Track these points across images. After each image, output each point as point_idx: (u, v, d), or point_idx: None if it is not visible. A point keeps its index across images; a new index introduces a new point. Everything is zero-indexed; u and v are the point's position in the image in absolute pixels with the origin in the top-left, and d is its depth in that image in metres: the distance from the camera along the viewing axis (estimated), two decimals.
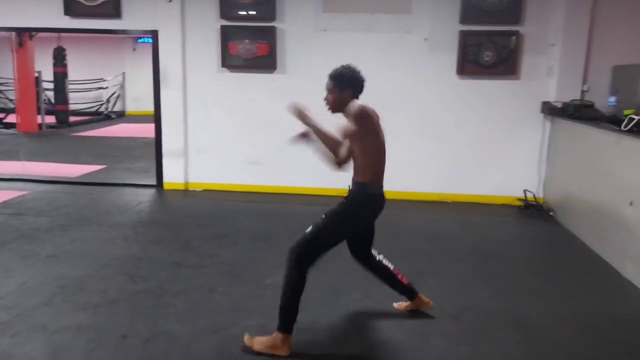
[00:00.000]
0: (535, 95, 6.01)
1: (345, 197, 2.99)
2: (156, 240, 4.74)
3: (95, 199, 6.13)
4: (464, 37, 5.97)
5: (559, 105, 5.63)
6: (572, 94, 5.71)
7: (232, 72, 6.41)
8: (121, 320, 3.19)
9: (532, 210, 5.91)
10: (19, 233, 4.74)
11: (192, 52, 6.44)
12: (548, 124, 5.99)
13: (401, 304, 3.42)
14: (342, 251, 3.15)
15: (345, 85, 2.92)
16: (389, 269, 3.27)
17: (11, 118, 13.19)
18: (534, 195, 6.05)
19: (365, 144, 2.88)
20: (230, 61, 6.35)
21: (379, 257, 3.28)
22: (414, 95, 6.20)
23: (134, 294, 3.56)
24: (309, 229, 2.89)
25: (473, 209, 6.08)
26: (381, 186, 3.00)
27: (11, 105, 13.56)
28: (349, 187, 3.01)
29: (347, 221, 2.96)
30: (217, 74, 6.43)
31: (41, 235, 4.69)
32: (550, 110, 5.77)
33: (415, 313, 3.36)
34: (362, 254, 3.25)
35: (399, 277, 3.28)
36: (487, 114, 6.16)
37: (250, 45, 6.27)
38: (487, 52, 5.97)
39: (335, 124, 2.90)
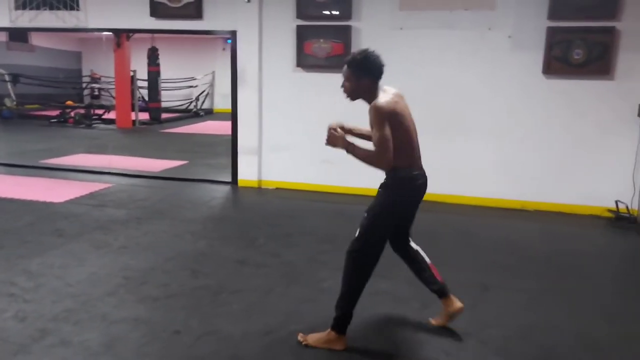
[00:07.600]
0: (631, 97, 5.49)
1: (379, 187, 2.91)
2: (223, 237, 4.82)
3: (171, 194, 6.36)
4: (552, 33, 5.56)
5: None
6: None
7: (306, 71, 6.40)
8: (177, 316, 3.23)
9: (623, 223, 5.42)
10: (98, 224, 4.99)
11: (268, 51, 6.50)
12: None
13: (438, 320, 3.17)
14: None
15: (362, 73, 2.79)
16: (425, 262, 3.10)
17: (110, 115, 14.12)
18: (627, 207, 5.53)
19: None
20: (305, 61, 6.35)
21: (416, 247, 3.13)
22: (495, 95, 5.87)
23: (193, 290, 3.61)
24: (357, 231, 2.85)
25: (557, 218, 5.66)
26: (414, 170, 2.86)
27: (114, 102, 14.48)
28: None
29: (388, 212, 2.86)
30: (292, 73, 6.45)
31: (117, 227, 4.91)
32: None
33: (476, 328, 3.14)
34: (398, 242, 3.11)
35: (434, 272, 3.08)
36: (575, 116, 5.71)
37: (325, 45, 6.23)
38: (577, 50, 5.52)
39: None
